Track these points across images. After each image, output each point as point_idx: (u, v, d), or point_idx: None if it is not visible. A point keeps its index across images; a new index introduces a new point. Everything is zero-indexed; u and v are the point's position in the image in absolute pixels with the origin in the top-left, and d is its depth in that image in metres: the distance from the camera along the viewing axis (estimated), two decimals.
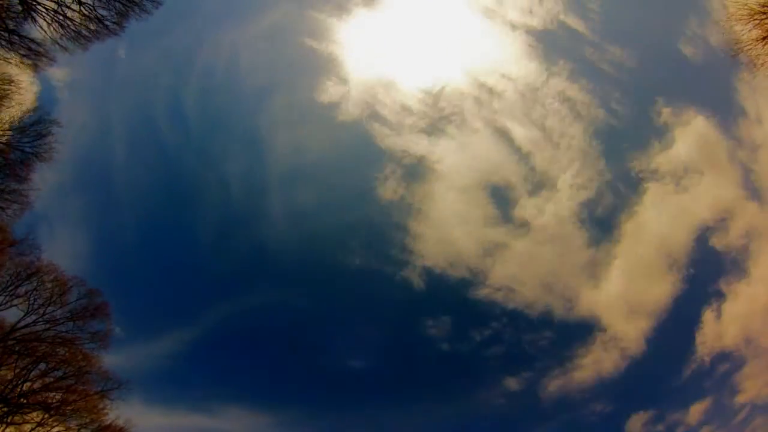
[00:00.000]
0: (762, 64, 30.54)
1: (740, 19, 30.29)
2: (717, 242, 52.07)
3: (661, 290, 52.26)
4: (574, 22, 52.27)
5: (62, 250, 45.21)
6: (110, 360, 42.90)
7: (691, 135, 52.12)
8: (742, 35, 30.35)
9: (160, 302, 51.52)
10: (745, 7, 30.01)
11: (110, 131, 52.27)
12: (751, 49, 30.20)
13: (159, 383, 47.83)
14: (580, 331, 53.00)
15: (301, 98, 54.51)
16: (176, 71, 53.48)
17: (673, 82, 53.74)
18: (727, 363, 50.44)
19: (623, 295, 53.13)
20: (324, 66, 53.57)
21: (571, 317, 52.80)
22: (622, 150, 54.72)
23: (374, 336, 54.44)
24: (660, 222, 53.42)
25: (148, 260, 52.28)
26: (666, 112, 52.30)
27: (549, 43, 53.14)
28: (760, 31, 30.06)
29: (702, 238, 52.28)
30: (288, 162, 54.64)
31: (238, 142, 54.49)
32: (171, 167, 53.59)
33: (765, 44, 30.15)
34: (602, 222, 54.28)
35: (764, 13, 29.79)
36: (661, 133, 52.89)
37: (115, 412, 31.77)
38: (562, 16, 52.18)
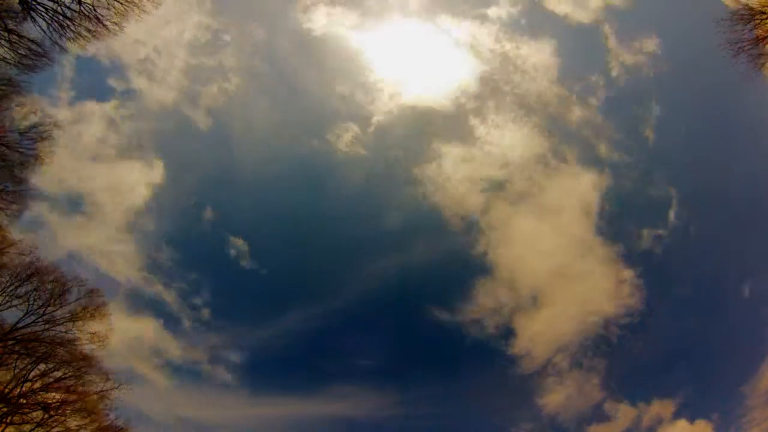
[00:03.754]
0: (762, 64, 30.50)
1: (740, 19, 30.24)
2: None
3: None
4: None
5: (173, 215, 44.38)
6: (209, 339, 42.47)
7: None
8: (743, 35, 30.30)
9: (297, 275, 47.62)
10: (746, 6, 29.96)
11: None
12: (751, 49, 30.16)
13: (270, 368, 45.61)
14: None
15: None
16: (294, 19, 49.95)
17: None
18: None
19: None
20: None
21: None
22: None
23: None
24: None
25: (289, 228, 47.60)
26: None
27: None
28: (760, 31, 30.01)
29: None
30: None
31: (381, 88, 50.23)
32: (310, 117, 49.30)
33: (765, 44, 30.09)
34: None
35: (764, 13, 29.72)
36: None
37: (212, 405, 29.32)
38: None
